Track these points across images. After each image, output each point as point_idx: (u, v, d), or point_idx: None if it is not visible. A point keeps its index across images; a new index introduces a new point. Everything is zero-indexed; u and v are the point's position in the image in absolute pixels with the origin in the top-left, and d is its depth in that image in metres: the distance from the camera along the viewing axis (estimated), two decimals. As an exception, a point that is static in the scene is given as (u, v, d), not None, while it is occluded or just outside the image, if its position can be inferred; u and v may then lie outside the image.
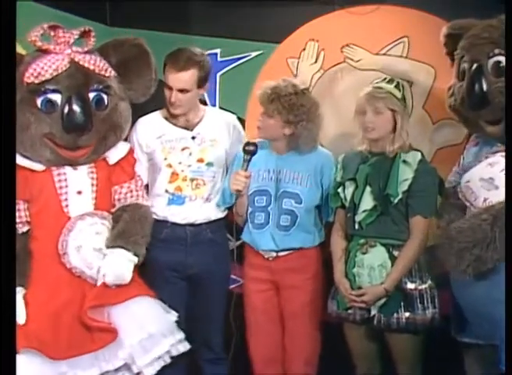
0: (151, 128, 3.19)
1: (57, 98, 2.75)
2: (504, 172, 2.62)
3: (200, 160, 3.15)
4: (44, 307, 2.75)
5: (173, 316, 2.94)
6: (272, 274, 3.11)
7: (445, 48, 3.01)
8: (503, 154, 2.67)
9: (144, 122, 3.21)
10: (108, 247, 2.83)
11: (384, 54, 3.49)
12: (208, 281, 3.17)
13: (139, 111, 3.15)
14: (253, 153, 2.99)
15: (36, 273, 2.79)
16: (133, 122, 3.16)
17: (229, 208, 3.21)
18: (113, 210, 2.94)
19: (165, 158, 3.14)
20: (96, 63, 2.80)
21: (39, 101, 2.75)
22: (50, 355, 2.70)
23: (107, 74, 2.84)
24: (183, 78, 3.07)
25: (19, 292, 2.72)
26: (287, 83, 3.04)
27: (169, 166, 3.14)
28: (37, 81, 2.71)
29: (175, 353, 2.91)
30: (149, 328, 2.81)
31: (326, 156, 3.15)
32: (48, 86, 2.73)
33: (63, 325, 2.76)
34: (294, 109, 3.00)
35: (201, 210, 3.15)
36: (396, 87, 2.96)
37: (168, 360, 2.88)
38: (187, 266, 3.15)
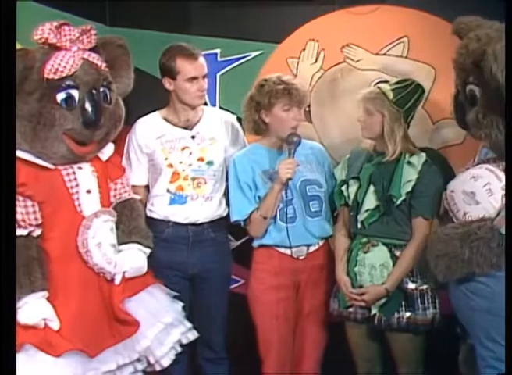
0: (151, 129, 3.18)
1: (75, 93, 2.77)
2: (487, 187, 2.57)
3: (201, 159, 3.15)
4: (73, 306, 2.76)
5: (179, 304, 3.01)
6: (296, 275, 3.06)
7: None
8: (489, 167, 2.61)
9: (143, 123, 3.21)
10: (123, 243, 2.90)
11: (384, 54, 3.48)
12: (210, 280, 3.17)
13: (138, 111, 3.15)
14: (297, 143, 2.98)
15: (57, 274, 2.78)
16: (133, 123, 3.17)
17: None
18: (112, 206, 2.97)
19: (166, 158, 3.14)
20: (100, 60, 2.84)
21: (59, 98, 2.76)
22: (90, 353, 2.73)
23: (107, 70, 2.88)
24: (203, 64, 3.13)
25: (44, 296, 2.72)
26: (288, 76, 3.10)
27: (170, 165, 3.14)
28: (56, 77, 2.72)
29: (185, 341, 3.00)
30: (164, 318, 2.90)
31: (317, 146, 3.21)
32: (67, 82, 2.75)
33: (91, 322, 2.78)
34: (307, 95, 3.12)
35: (203, 209, 3.15)
36: (394, 90, 2.92)
37: (179, 349, 2.97)
38: (189, 266, 3.15)
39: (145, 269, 2.94)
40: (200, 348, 3.21)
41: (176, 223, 3.14)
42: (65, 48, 2.77)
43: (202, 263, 3.14)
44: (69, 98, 2.76)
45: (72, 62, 2.73)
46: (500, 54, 2.41)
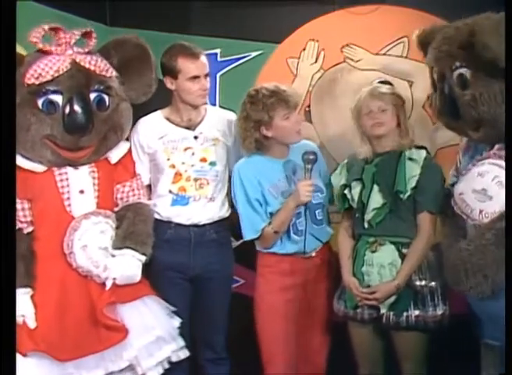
0: (153, 128, 3.17)
1: (58, 99, 2.73)
2: (496, 181, 2.57)
3: (203, 160, 3.13)
4: (51, 308, 2.74)
5: (177, 321, 2.96)
6: (306, 274, 3.05)
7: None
8: (492, 161, 2.62)
9: (145, 122, 3.19)
10: (116, 247, 2.84)
11: (384, 54, 3.50)
12: (212, 281, 3.15)
13: (140, 111, 3.15)
14: (314, 161, 2.97)
15: (41, 273, 2.78)
16: (134, 122, 3.16)
17: (232, 208, 3.17)
18: (116, 209, 2.94)
19: (168, 159, 3.12)
20: (97, 64, 2.78)
21: (40, 102, 2.73)
22: (57, 356, 2.69)
23: (108, 75, 2.83)
24: (205, 62, 3.11)
25: (27, 293, 2.72)
26: (274, 84, 3.04)
27: (172, 166, 3.12)
28: (37, 82, 2.69)
29: (174, 359, 2.94)
30: (156, 331, 2.84)
31: (310, 144, 3.16)
32: (48, 87, 2.71)
33: (70, 325, 2.75)
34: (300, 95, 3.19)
35: (205, 210, 3.13)
36: (391, 86, 3.02)
37: (167, 366, 2.91)
38: (191, 267, 3.13)
39: (138, 278, 2.85)
40: (201, 348, 3.20)
41: (178, 225, 3.12)
42: (55, 53, 2.73)
43: (204, 265, 3.13)
44: (49, 103, 2.73)
45: (56, 68, 2.69)
46: (488, 26, 2.51)
